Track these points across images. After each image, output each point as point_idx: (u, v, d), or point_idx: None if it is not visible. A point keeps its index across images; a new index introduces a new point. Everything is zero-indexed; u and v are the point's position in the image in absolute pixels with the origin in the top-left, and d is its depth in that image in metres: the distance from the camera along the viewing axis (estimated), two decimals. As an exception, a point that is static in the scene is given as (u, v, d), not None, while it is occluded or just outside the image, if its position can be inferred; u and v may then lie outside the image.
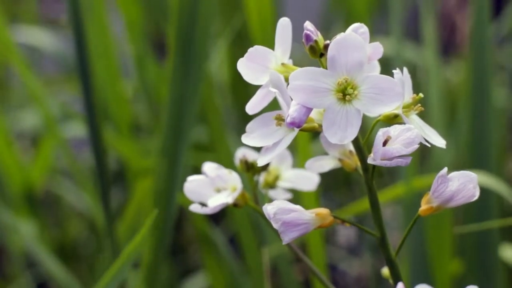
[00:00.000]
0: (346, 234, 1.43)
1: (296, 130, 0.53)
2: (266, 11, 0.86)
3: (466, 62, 1.18)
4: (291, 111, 0.51)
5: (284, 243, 0.54)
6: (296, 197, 0.76)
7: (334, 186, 1.37)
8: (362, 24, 0.53)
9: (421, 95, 0.54)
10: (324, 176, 0.65)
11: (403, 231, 0.56)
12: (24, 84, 1.10)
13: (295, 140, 0.85)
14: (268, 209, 0.54)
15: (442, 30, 1.60)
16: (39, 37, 1.34)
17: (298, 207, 0.55)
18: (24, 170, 1.13)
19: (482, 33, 0.91)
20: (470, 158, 0.94)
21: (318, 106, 0.51)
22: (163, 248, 0.84)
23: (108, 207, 0.88)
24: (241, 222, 0.94)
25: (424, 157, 1.06)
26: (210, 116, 0.91)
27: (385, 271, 0.59)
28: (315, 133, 0.55)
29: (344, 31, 0.52)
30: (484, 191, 0.90)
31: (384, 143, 0.51)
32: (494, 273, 0.93)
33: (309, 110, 0.52)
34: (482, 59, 0.92)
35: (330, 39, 0.52)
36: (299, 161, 0.81)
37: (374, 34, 1.37)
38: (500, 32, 1.43)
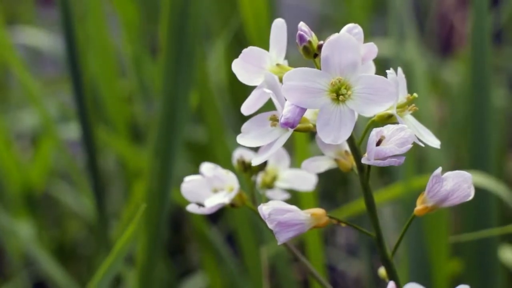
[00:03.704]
0: (345, 234, 1.43)
1: (291, 130, 0.53)
2: (262, 12, 0.86)
3: (465, 62, 1.19)
4: (285, 111, 0.51)
5: (279, 243, 0.54)
6: (295, 197, 0.76)
7: (333, 186, 1.37)
8: (356, 25, 0.53)
9: (415, 95, 0.54)
10: (323, 176, 0.65)
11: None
12: (22, 85, 1.10)
13: (293, 141, 0.85)
14: (263, 209, 0.54)
15: (439, 30, 1.60)
16: (39, 38, 1.34)
17: (293, 207, 0.55)
18: (23, 171, 1.13)
19: (482, 33, 0.91)
20: (469, 158, 0.94)
21: (312, 107, 0.51)
22: (158, 247, 0.84)
23: (102, 207, 0.88)
24: (239, 222, 0.94)
25: (422, 157, 1.06)
26: (209, 116, 0.92)
27: (382, 271, 0.60)
28: (313, 133, 0.55)
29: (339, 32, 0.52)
30: (483, 192, 0.91)
31: (378, 143, 0.51)
32: (494, 274, 0.93)
33: (303, 110, 0.52)
34: (482, 59, 0.92)
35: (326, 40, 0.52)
36: (297, 162, 0.81)
37: (373, 34, 1.37)
38: (495, 27, 1.43)
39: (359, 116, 0.52)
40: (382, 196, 0.97)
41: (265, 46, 0.56)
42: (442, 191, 0.54)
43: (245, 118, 0.56)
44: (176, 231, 1.30)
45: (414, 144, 0.52)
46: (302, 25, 0.53)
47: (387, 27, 1.22)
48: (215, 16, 1.20)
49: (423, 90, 1.06)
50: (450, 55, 1.57)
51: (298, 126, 0.53)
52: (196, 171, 0.63)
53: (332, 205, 1.33)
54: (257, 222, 0.94)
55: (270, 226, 0.54)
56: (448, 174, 0.54)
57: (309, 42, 0.53)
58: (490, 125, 0.93)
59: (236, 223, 0.94)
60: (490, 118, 0.93)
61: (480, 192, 0.89)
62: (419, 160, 1.05)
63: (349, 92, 0.51)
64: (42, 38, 1.34)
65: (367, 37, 0.54)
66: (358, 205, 0.93)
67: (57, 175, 1.31)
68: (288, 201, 0.56)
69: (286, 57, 0.55)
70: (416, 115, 0.56)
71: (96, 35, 1.09)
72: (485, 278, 0.93)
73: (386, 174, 1.23)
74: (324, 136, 0.51)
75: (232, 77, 1.19)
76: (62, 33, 0.87)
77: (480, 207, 0.92)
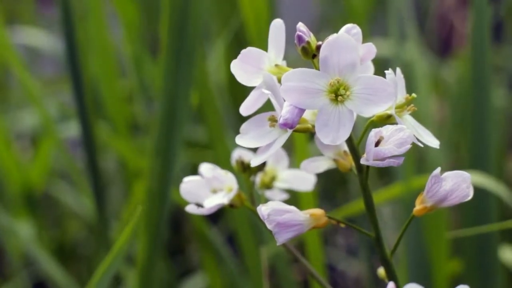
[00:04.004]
0: (345, 234, 1.43)
1: (290, 131, 0.53)
2: (262, 13, 0.86)
3: (465, 62, 1.18)
4: (283, 112, 0.51)
5: (278, 244, 0.54)
6: (294, 198, 0.76)
7: (332, 187, 1.37)
8: (355, 25, 0.53)
9: (414, 95, 0.54)
10: (322, 177, 0.65)
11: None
12: (22, 85, 1.10)
13: (292, 141, 0.85)
14: (262, 210, 0.54)
15: (439, 30, 1.60)
16: (39, 38, 1.34)
17: (292, 207, 0.55)
18: (23, 170, 1.13)
19: (482, 32, 0.91)
20: (469, 158, 0.94)
21: (310, 107, 0.51)
22: (158, 247, 0.84)
23: (102, 207, 0.88)
24: (239, 222, 0.94)
25: (422, 157, 1.06)
26: (209, 116, 0.91)
27: (381, 271, 0.60)
28: (312, 133, 0.55)
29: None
30: (483, 192, 0.90)
31: (377, 144, 0.51)
32: (494, 274, 0.93)
33: (302, 111, 0.52)
34: (482, 58, 0.91)
35: (325, 40, 0.52)
36: (296, 162, 0.81)
37: (373, 34, 1.37)
38: (495, 26, 1.43)
39: (358, 116, 0.52)
40: (382, 196, 0.96)
41: (265, 46, 0.56)
42: (441, 191, 0.54)
43: (244, 119, 0.56)
44: (176, 231, 1.29)
45: (414, 144, 0.52)
46: (300, 26, 0.53)
47: (387, 27, 1.22)
48: (215, 16, 1.20)
49: (424, 91, 1.06)
50: (450, 55, 1.57)
51: (297, 126, 0.53)
52: (195, 171, 0.63)
53: (332, 205, 1.33)
54: (257, 222, 0.94)
55: (269, 226, 0.54)
56: (447, 174, 0.54)
57: (308, 42, 0.53)
58: (490, 125, 0.93)
59: (236, 223, 0.94)
60: (490, 118, 0.93)
61: (480, 192, 0.89)
62: (418, 160, 1.05)
63: (347, 93, 0.51)
64: (42, 38, 1.34)
65: (366, 37, 0.54)
66: (357, 206, 0.93)
67: (57, 175, 1.31)
68: (287, 202, 0.56)
69: (285, 58, 0.55)
70: (416, 115, 0.56)
71: (97, 35, 1.09)
72: (485, 278, 0.92)
73: (386, 174, 1.23)
74: (323, 137, 0.51)
75: (232, 77, 1.19)
76: (62, 32, 0.87)
77: (480, 207, 0.92)
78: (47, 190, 1.26)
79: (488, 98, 0.92)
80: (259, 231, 0.96)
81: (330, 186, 1.37)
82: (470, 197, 0.55)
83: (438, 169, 0.54)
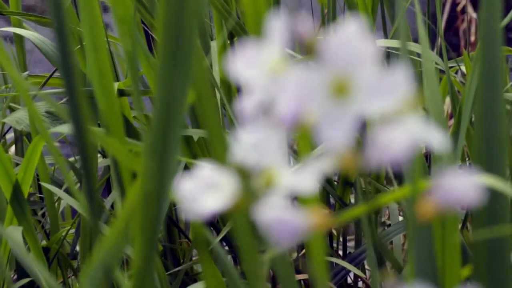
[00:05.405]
0: (348, 237, 1.42)
1: (290, 130, 0.51)
2: (262, 6, 0.84)
3: (476, 61, 1.17)
4: (283, 111, 0.49)
5: (278, 247, 0.53)
6: (295, 199, 0.74)
7: (334, 188, 1.35)
8: (360, 21, 0.51)
9: (419, 93, 0.52)
10: (324, 178, 0.63)
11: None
12: (13, 84, 1.08)
13: (292, 141, 0.83)
14: (262, 212, 0.52)
15: (451, 28, 1.58)
16: (30, 35, 1.32)
17: (293, 209, 0.53)
18: (14, 172, 1.12)
19: (493, 32, 0.89)
20: (480, 158, 0.92)
21: (311, 106, 0.49)
22: (154, 252, 0.82)
23: (94, 210, 0.87)
24: (238, 224, 0.92)
25: (430, 157, 1.04)
26: (208, 115, 0.90)
27: (385, 275, 0.58)
28: (313, 133, 0.53)
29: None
30: (495, 194, 0.88)
31: (380, 143, 0.49)
32: (505, 279, 0.91)
33: (303, 109, 0.50)
34: (493, 53, 0.90)
35: (327, 36, 0.50)
36: (297, 162, 0.79)
37: (379, 30, 1.35)
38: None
39: (361, 115, 0.50)
40: (390, 198, 0.94)
41: (264, 42, 0.54)
42: (446, 192, 0.52)
43: (240, 118, 0.54)
44: (182, 237, 1.28)
45: (421, 144, 0.50)
46: (302, 20, 0.52)
47: (394, 22, 1.21)
48: (212, 9, 1.18)
49: (433, 89, 1.04)
50: (461, 53, 1.55)
51: (298, 126, 0.51)
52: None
53: (334, 207, 1.32)
54: (256, 225, 0.92)
55: (269, 229, 0.52)
56: (453, 175, 0.52)
57: (309, 38, 0.51)
58: (502, 124, 0.91)
59: (235, 225, 0.92)
60: (502, 118, 0.91)
61: (492, 194, 0.87)
62: (427, 161, 1.03)
63: (350, 91, 0.48)
64: (34, 35, 1.32)
65: (372, 33, 0.52)
66: (361, 208, 0.91)
67: (51, 175, 1.29)
68: (288, 203, 0.54)
69: (285, 54, 0.53)
70: (425, 114, 0.54)
71: (91, 31, 1.07)
72: (495, 283, 0.91)
73: (394, 175, 1.21)
74: (325, 137, 0.49)
75: (225, 74, 1.18)
76: (54, 29, 0.85)
77: (491, 209, 0.90)
78: (40, 191, 1.25)
79: (499, 97, 0.90)
80: (259, 234, 0.94)
81: (332, 188, 1.36)
82: (477, 199, 0.53)
83: (444, 170, 0.52)
